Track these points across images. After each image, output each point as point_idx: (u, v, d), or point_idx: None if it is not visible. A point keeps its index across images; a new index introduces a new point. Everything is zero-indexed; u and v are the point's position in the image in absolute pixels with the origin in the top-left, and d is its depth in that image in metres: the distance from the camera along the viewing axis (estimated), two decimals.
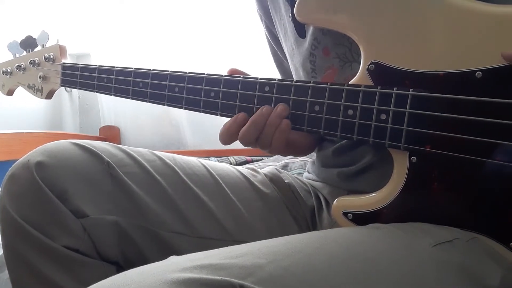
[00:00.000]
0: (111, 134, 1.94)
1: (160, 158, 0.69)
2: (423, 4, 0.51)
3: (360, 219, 0.55)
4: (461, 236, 0.48)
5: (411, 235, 0.48)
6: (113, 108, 1.94)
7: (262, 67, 0.98)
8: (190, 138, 1.84)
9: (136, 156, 0.67)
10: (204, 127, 1.78)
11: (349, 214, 0.56)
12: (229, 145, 0.65)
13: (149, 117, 1.87)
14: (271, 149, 0.61)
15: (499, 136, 0.45)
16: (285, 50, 0.75)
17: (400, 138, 0.51)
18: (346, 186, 0.67)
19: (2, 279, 0.89)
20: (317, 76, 0.67)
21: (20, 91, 1.00)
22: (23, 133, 1.48)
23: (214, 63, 1.67)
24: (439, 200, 0.51)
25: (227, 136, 0.63)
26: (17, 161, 0.63)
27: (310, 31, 0.66)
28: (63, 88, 0.92)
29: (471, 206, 0.49)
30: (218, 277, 0.33)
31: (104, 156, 0.64)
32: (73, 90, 1.92)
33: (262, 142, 0.61)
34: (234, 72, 0.67)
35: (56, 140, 0.67)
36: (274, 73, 0.86)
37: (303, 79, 0.69)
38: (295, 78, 0.73)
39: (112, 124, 1.96)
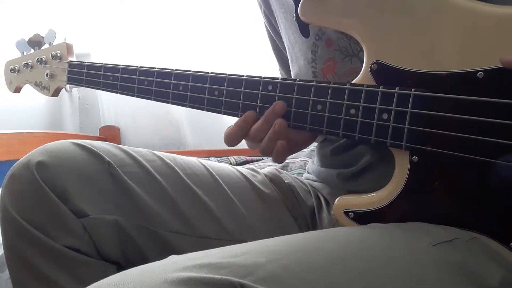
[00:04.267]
0: (111, 134, 1.93)
1: (160, 158, 0.69)
2: (425, 5, 0.51)
3: (361, 218, 0.56)
4: (461, 236, 0.48)
5: (410, 235, 0.48)
6: (113, 108, 1.94)
7: (264, 65, 0.98)
8: (190, 138, 1.83)
9: (136, 156, 0.67)
10: (204, 127, 1.78)
11: (350, 213, 0.56)
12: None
13: (149, 117, 1.87)
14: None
15: (500, 136, 0.45)
16: (285, 38, 0.75)
17: (402, 137, 0.51)
18: (346, 186, 0.67)
19: (3, 279, 0.89)
20: (316, 66, 0.67)
21: (22, 91, 1.00)
22: (23, 133, 1.48)
23: (214, 63, 1.67)
24: (440, 199, 0.51)
25: (239, 135, 0.61)
26: (18, 161, 0.63)
27: None
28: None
29: (471, 206, 0.49)
30: (218, 276, 0.33)
31: (105, 156, 0.64)
32: (73, 90, 1.92)
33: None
34: None
35: (56, 140, 0.67)
36: (276, 72, 0.87)
37: (302, 68, 0.69)
38: (293, 66, 0.73)
39: (112, 124, 1.95)
